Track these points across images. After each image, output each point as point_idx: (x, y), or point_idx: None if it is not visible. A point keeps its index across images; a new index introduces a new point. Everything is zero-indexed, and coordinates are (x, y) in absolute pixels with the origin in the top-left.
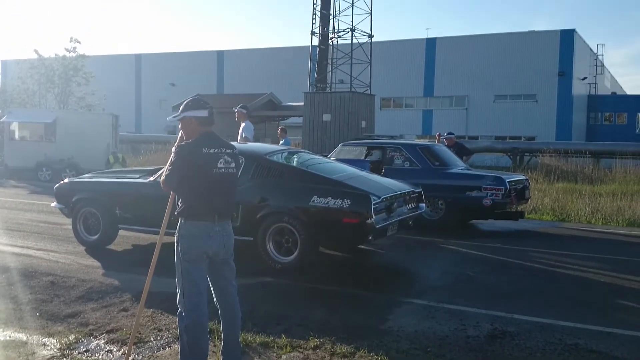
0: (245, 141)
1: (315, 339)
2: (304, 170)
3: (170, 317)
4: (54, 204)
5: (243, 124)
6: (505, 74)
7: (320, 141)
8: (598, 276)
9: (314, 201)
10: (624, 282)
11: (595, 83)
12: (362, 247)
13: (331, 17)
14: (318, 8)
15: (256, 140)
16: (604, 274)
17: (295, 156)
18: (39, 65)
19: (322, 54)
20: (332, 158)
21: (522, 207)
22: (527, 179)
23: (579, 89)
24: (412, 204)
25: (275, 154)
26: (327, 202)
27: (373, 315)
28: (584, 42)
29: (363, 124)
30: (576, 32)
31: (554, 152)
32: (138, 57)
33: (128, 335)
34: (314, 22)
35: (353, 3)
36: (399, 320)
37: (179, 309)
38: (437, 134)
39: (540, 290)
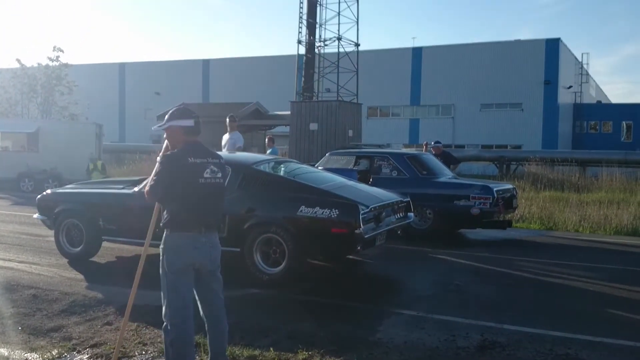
0: (238, 151)
1: (304, 352)
2: (292, 179)
3: (156, 330)
4: (36, 215)
5: (229, 135)
6: (491, 82)
7: (307, 150)
8: (587, 285)
9: (301, 211)
10: (613, 290)
11: (581, 92)
12: (351, 257)
13: (317, 25)
14: (304, 17)
15: (243, 149)
16: (592, 283)
17: (282, 166)
18: (21, 74)
19: (309, 62)
20: (319, 167)
21: (509, 216)
22: (514, 188)
23: (565, 97)
24: (401, 214)
25: (263, 164)
26: (315, 212)
27: (362, 327)
28: (569, 51)
29: (350, 133)
30: (561, 41)
31: (540, 161)
32: (122, 66)
33: (112, 350)
34: (300, 30)
35: (339, 12)
36: (388, 331)
37: (165, 323)
38: (425, 142)
39: (529, 300)
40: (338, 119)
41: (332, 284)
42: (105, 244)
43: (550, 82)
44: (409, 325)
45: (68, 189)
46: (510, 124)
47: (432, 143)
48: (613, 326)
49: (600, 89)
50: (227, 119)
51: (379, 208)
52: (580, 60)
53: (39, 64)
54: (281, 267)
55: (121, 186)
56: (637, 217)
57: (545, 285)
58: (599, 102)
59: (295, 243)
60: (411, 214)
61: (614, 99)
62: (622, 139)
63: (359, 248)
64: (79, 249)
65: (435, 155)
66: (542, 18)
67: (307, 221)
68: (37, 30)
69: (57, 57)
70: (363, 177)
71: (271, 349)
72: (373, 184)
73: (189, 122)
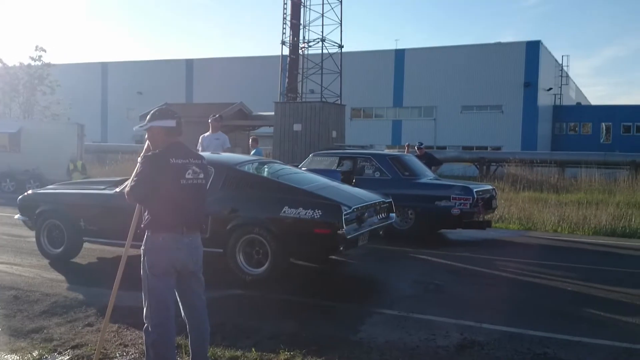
0: (226, 151)
1: (286, 352)
2: (275, 180)
3: (137, 332)
4: (17, 216)
5: (210, 135)
6: (472, 84)
7: (291, 151)
8: (565, 285)
9: (284, 212)
10: (591, 290)
11: (561, 94)
12: (333, 257)
13: (301, 27)
14: (288, 18)
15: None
16: (571, 283)
17: (266, 166)
18: (3, 74)
19: (293, 63)
20: (303, 168)
21: (489, 216)
22: (494, 189)
23: (545, 99)
24: (383, 214)
25: (246, 165)
26: (298, 213)
27: (344, 327)
28: (550, 53)
29: (334, 133)
30: (542, 44)
31: (520, 162)
32: (105, 66)
33: (93, 351)
34: (284, 31)
35: (323, 13)
36: (369, 331)
37: (145, 324)
38: (407, 144)
39: (508, 299)
40: (322, 120)
41: (315, 284)
42: (86, 244)
43: (530, 84)
44: (390, 325)
45: (49, 189)
46: (490, 126)
47: (416, 144)
48: (591, 326)
49: (580, 91)
50: (212, 119)
51: (361, 209)
52: (560, 62)
53: (21, 63)
54: (264, 267)
55: (103, 187)
56: (615, 218)
57: (524, 285)
58: (578, 103)
59: (278, 243)
60: (393, 215)
61: (594, 101)
62: (601, 140)
63: (341, 248)
64: (60, 249)
65: (418, 156)
66: (524, 20)
67: (290, 222)
68: (19, 29)
69: (40, 56)
70: (346, 178)
71: (253, 349)
72: (356, 185)
73: (171, 123)
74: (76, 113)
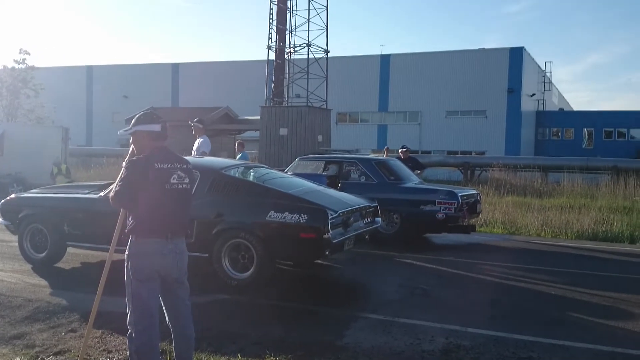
0: (202, 156)
1: (272, 357)
2: (261, 185)
3: (121, 338)
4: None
5: (200, 139)
6: (456, 90)
7: (277, 155)
8: (549, 289)
9: (270, 216)
10: (574, 294)
11: (544, 99)
12: (319, 261)
13: (287, 32)
14: (274, 23)
15: (212, 154)
16: (554, 287)
17: (251, 171)
18: None
19: (279, 68)
20: (289, 172)
21: (473, 220)
22: (478, 193)
23: (528, 105)
24: (369, 218)
25: (232, 169)
26: (284, 217)
27: (330, 331)
28: (533, 59)
29: (319, 138)
30: (525, 50)
31: (504, 167)
32: (90, 69)
33: (76, 358)
34: (270, 36)
35: (309, 19)
36: (355, 335)
37: (129, 330)
38: (386, 147)
39: (493, 303)
40: (308, 124)
41: (301, 289)
42: (70, 249)
43: (514, 90)
44: (376, 330)
45: (33, 193)
46: (474, 131)
47: (400, 148)
48: (575, 329)
49: (563, 97)
50: (193, 124)
51: (347, 213)
52: (543, 68)
53: (4, 66)
54: (250, 272)
55: (87, 191)
56: (597, 222)
57: (509, 289)
58: (561, 109)
59: (264, 248)
60: (379, 219)
61: (577, 107)
62: (584, 145)
63: (327, 253)
64: (43, 254)
65: (403, 160)
66: (507, 27)
67: (276, 226)
68: (2, 32)
69: (24, 59)
70: (332, 182)
71: (239, 355)
72: (342, 189)
73: (156, 127)
74: (60, 116)
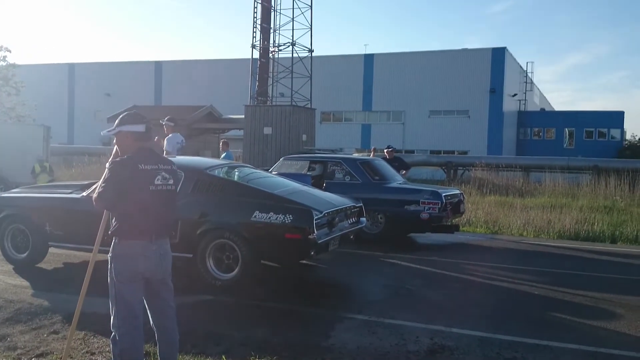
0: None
1: (257, 359)
2: (245, 185)
3: (104, 339)
4: None
5: (169, 136)
6: (439, 90)
7: (261, 154)
8: (532, 288)
9: (255, 216)
10: (557, 294)
11: (525, 99)
12: (304, 262)
13: (272, 30)
14: (258, 22)
15: (195, 153)
16: (537, 286)
17: (236, 170)
18: None
19: (263, 67)
20: (273, 172)
21: (457, 220)
22: (462, 193)
23: (510, 105)
24: (353, 218)
25: (216, 169)
26: (269, 218)
27: (315, 332)
28: (515, 60)
29: (304, 137)
30: (507, 50)
31: (486, 166)
32: (71, 67)
33: (59, 359)
34: (254, 35)
35: (293, 18)
36: (341, 336)
37: (113, 333)
38: (373, 147)
39: (477, 304)
40: (292, 124)
41: (286, 289)
42: (52, 250)
43: (496, 90)
44: (361, 330)
45: (14, 193)
46: (457, 131)
47: (386, 148)
48: (558, 329)
49: (545, 97)
50: (165, 123)
51: (332, 213)
52: (525, 69)
53: None
54: (234, 272)
55: (69, 190)
56: (579, 222)
57: (492, 289)
58: (542, 109)
59: (248, 248)
60: (363, 219)
61: (558, 107)
62: (565, 145)
63: (312, 253)
64: (24, 255)
65: (388, 159)
66: (490, 27)
67: (260, 226)
68: None
69: (4, 57)
70: (317, 182)
71: (223, 356)
72: (326, 189)
73: (140, 128)
74: (42, 114)
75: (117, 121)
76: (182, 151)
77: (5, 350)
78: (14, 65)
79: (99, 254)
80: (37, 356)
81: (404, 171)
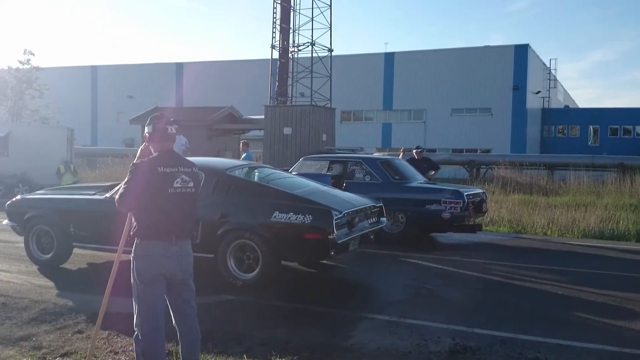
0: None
1: (277, 358)
2: (265, 185)
3: (127, 339)
4: (5, 221)
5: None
6: (461, 87)
7: (281, 154)
8: (556, 288)
9: (275, 217)
10: (581, 294)
11: (549, 97)
12: (324, 262)
13: (291, 31)
14: (278, 22)
15: (216, 154)
16: (561, 286)
17: (256, 171)
18: None
19: (283, 67)
20: (293, 172)
21: (479, 219)
22: (484, 192)
23: (533, 102)
24: (374, 218)
25: (236, 169)
26: (289, 218)
27: (335, 333)
28: (538, 56)
29: (324, 137)
30: (530, 47)
31: (509, 165)
32: (94, 69)
33: (83, 359)
34: (274, 35)
35: (313, 17)
36: (361, 337)
37: (136, 332)
38: (402, 149)
39: (499, 304)
40: (312, 124)
41: (306, 289)
42: (76, 250)
43: (519, 88)
44: (382, 331)
45: (38, 194)
46: (480, 129)
47: (415, 148)
48: (581, 329)
49: (568, 94)
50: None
51: (352, 213)
52: (548, 65)
53: (9, 67)
54: (255, 272)
55: (92, 192)
56: (604, 220)
57: (515, 289)
58: (566, 106)
59: (269, 248)
60: (384, 219)
61: (582, 104)
62: (589, 143)
63: (332, 253)
64: (49, 255)
65: (417, 160)
66: (512, 24)
67: (280, 227)
68: (7, 33)
69: (28, 60)
70: (336, 182)
71: (244, 356)
72: (346, 189)
73: (171, 129)
74: (66, 116)
75: (149, 121)
76: (187, 153)
77: (30, 349)
78: (37, 68)
79: (123, 255)
80: (62, 355)
81: (433, 172)
